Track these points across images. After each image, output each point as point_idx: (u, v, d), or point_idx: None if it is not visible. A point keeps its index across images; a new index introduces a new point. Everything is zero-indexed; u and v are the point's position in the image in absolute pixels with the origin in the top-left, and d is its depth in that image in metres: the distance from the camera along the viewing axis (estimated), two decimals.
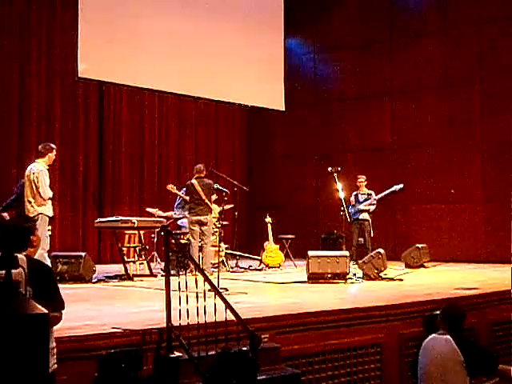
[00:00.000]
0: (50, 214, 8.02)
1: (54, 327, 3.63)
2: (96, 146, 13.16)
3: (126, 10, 11.16)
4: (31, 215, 7.86)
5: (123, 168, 13.49)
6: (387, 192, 11.17)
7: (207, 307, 4.59)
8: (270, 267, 11.20)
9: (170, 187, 10.84)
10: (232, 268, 11.02)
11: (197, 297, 4.75)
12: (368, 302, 6.64)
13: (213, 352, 4.49)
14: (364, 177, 11.43)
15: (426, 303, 6.63)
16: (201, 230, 9.53)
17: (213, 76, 12.07)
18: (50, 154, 8.12)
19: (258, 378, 4.44)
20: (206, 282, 4.86)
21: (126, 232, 9.86)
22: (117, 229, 9.60)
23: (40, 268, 3.61)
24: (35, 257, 3.79)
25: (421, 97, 13.35)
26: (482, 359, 5.08)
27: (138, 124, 13.82)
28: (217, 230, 10.08)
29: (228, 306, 4.57)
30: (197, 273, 5.05)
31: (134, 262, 9.80)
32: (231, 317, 4.58)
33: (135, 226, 9.35)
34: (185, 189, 10.24)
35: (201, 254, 9.63)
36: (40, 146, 8.25)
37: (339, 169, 9.74)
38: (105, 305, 6.63)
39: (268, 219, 11.69)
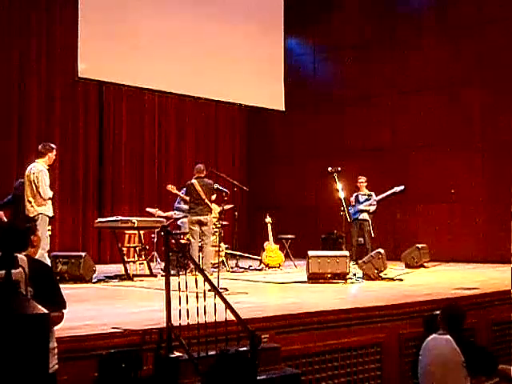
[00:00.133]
0: (50, 213, 8.02)
1: (56, 327, 3.63)
2: (96, 146, 13.15)
3: (126, 9, 11.16)
4: (31, 215, 7.85)
5: (123, 168, 13.49)
6: (388, 193, 11.17)
7: (207, 307, 4.59)
8: (269, 267, 11.20)
9: (170, 187, 10.84)
10: (232, 268, 11.01)
11: (197, 297, 4.75)
12: (368, 302, 6.64)
13: (213, 352, 4.49)
14: (364, 178, 11.44)
15: (426, 303, 6.64)
16: (201, 230, 9.52)
17: (213, 76, 12.07)
18: (50, 154, 8.12)
19: (258, 378, 4.44)
20: (205, 282, 4.86)
21: (126, 232, 9.86)
22: (117, 229, 9.60)
23: (41, 268, 3.61)
24: (36, 257, 3.79)
25: (421, 97, 13.35)
26: (482, 359, 5.08)
27: (138, 124, 13.82)
28: (217, 230, 10.08)
29: (228, 306, 4.57)
30: (197, 273, 5.05)
31: (134, 262, 9.80)
32: (231, 317, 4.58)
33: (135, 226, 9.35)
34: (185, 189, 10.25)
35: (201, 253, 9.63)
36: (40, 146, 8.25)
37: (339, 169, 9.74)
38: (105, 305, 6.63)
39: (268, 219, 11.69)
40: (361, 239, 11.14)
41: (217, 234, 10.07)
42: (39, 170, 7.94)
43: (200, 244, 9.59)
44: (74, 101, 12.76)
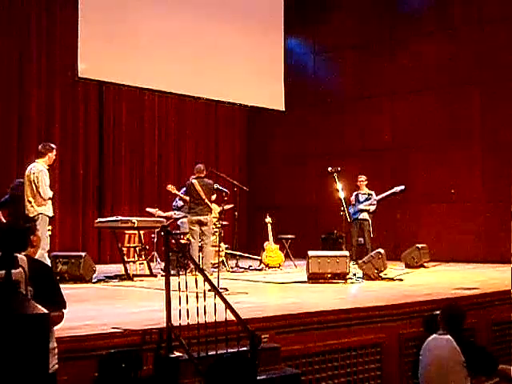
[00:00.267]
0: (50, 213, 8.02)
1: (56, 327, 3.63)
2: (96, 146, 13.15)
3: (126, 10, 11.16)
4: (31, 215, 7.84)
5: (123, 168, 13.49)
6: (388, 193, 11.17)
7: (207, 307, 4.59)
8: (270, 267, 11.20)
9: (170, 188, 10.84)
10: (232, 268, 11.01)
11: (197, 297, 4.75)
12: (368, 302, 6.64)
13: (213, 352, 4.49)
14: (364, 177, 11.44)
15: (426, 303, 6.64)
16: (201, 229, 9.52)
17: (213, 76, 12.07)
18: (50, 154, 8.12)
19: (258, 378, 4.44)
20: (205, 282, 4.86)
21: (126, 232, 9.86)
22: (117, 229, 9.60)
23: (41, 268, 3.61)
24: (35, 257, 3.79)
25: (421, 97, 13.34)
26: (483, 359, 5.08)
27: (138, 124, 13.82)
28: (217, 230, 10.08)
29: (228, 306, 4.57)
30: (197, 273, 5.05)
31: (134, 262, 9.80)
32: (231, 317, 4.58)
33: (135, 225, 9.35)
34: (185, 189, 10.25)
35: (201, 253, 9.63)
36: (40, 146, 8.25)
37: (339, 169, 9.74)
38: (105, 305, 6.63)
39: (268, 219, 11.69)
40: (361, 239, 11.13)
41: (217, 234, 10.07)
42: (39, 169, 7.94)
43: (200, 244, 9.59)
44: (74, 101, 12.76)
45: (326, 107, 14.53)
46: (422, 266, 11.06)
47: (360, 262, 9.41)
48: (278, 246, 11.54)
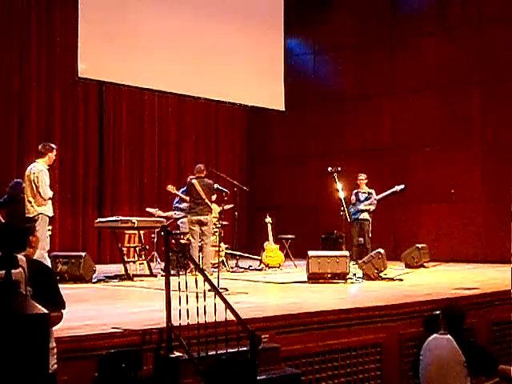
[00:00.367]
0: (50, 213, 8.02)
1: (55, 327, 3.63)
2: (96, 146, 13.15)
3: (126, 10, 11.16)
4: (31, 215, 7.86)
5: (123, 168, 13.48)
6: (388, 192, 11.17)
7: (207, 307, 4.59)
8: (270, 267, 11.20)
9: (170, 188, 10.85)
10: (232, 268, 11.01)
11: (197, 297, 4.75)
12: (368, 302, 6.64)
13: (213, 352, 4.49)
14: (364, 175, 11.44)
15: (426, 303, 6.64)
16: (201, 229, 9.52)
17: (213, 76, 12.07)
18: (50, 154, 8.12)
19: (258, 378, 4.44)
20: (205, 282, 4.86)
21: (126, 232, 9.86)
22: (117, 229, 9.60)
23: (40, 268, 3.61)
24: (35, 257, 3.79)
25: (421, 97, 13.35)
26: (483, 359, 5.08)
27: (138, 124, 13.82)
28: (217, 230, 10.08)
29: (228, 306, 4.57)
30: (197, 273, 5.05)
31: (134, 262, 9.80)
32: (231, 317, 4.58)
33: (135, 226, 9.35)
34: (184, 189, 10.26)
35: (201, 254, 9.63)
36: (40, 146, 8.25)
37: (339, 169, 9.74)
38: (105, 305, 6.63)
39: (268, 219, 11.69)
40: (361, 239, 11.13)
41: (217, 234, 10.07)
42: (39, 169, 7.94)
43: (200, 244, 9.58)
44: (74, 101, 12.76)
45: (326, 107, 14.53)
46: (422, 266, 11.06)
47: (360, 261, 9.41)
48: (278, 246, 11.54)
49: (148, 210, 11.47)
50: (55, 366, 3.62)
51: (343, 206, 9.61)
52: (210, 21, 12.12)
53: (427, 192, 13.13)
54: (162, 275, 8.58)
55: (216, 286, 5.86)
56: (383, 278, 8.98)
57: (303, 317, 5.74)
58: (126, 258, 9.64)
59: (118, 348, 4.52)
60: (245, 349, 4.50)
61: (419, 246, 11.22)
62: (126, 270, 9.32)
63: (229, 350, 4.54)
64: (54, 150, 8.21)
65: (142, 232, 9.85)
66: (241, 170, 15.53)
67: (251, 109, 14.15)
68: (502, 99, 12.44)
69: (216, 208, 10.11)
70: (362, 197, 11.25)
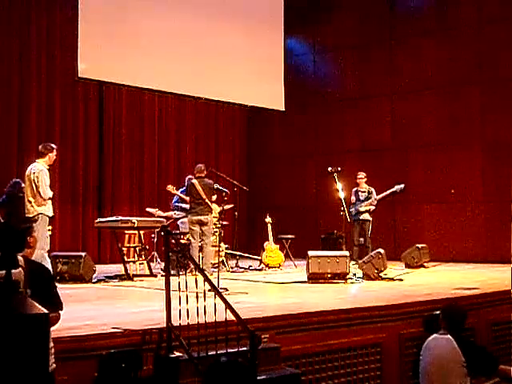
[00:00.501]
0: (50, 213, 8.02)
1: (53, 327, 3.63)
2: (96, 146, 13.15)
3: (126, 10, 11.16)
4: (31, 215, 7.86)
5: (123, 168, 13.48)
6: (388, 192, 11.17)
7: (207, 307, 4.59)
8: (270, 267, 11.20)
9: (170, 188, 10.85)
10: (232, 268, 11.01)
11: (197, 297, 4.75)
12: (368, 302, 6.64)
13: (213, 352, 4.49)
14: (364, 173, 11.43)
15: (426, 303, 6.63)
16: (201, 229, 9.52)
17: (213, 76, 12.07)
18: (50, 154, 8.12)
19: (258, 378, 4.44)
20: (205, 282, 4.86)
21: (126, 232, 9.86)
22: (117, 229, 9.60)
23: (37, 269, 3.62)
24: (34, 257, 3.79)
25: (421, 97, 13.35)
26: (483, 359, 5.09)
27: (138, 124, 13.82)
28: (217, 230, 10.08)
29: (228, 306, 4.57)
30: (197, 273, 5.05)
31: (134, 262, 9.80)
32: (231, 317, 4.58)
33: (135, 226, 9.35)
34: (184, 188, 10.26)
35: (201, 254, 9.63)
36: (40, 146, 8.26)
37: (339, 169, 9.74)
38: (105, 305, 6.63)
39: (268, 219, 11.69)
40: (361, 239, 11.13)
41: (217, 234, 10.07)
42: (39, 169, 7.94)
43: (200, 244, 9.58)
44: (74, 101, 12.76)
45: (325, 107, 14.53)
46: (422, 266, 11.05)
47: (360, 261, 9.41)
48: (278, 246, 11.54)
49: (148, 209, 11.47)
50: (54, 365, 3.63)
51: (343, 206, 9.61)
52: (210, 21, 12.13)
53: (427, 192, 13.13)
54: (162, 275, 8.59)
55: (216, 286, 5.86)
56: (383, 278, 8.98)
57: (303, 317, 5.74)
58: (126, 257, 9.64)
59: (118, 348, 4.52)
60: (245, 349, 4.50)
61: (419, 246, 11.22)
62: (125, 270, 9.33)
63: (229, 350, 4.54)
64: (55, 150, 8.21)
65: (142, 232, 9.86)
66: (241, 170, 15.53)
67: (251, 109, 14.15)
68: (501, 99, 12.44)
69: (216, 208, 10.11)
70: (361, 196, 11.24)
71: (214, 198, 10.06)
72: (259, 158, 15.64)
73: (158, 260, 11.08)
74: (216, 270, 8.37)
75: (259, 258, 11.50)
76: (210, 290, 4.83)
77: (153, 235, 11.38)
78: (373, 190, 11.30)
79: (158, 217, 10.79)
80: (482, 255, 12.23)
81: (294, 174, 14.88)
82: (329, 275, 8.78)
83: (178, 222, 11.17)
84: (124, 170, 13.50)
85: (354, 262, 9.70)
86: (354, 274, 9.08)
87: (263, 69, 13.12)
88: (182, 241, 9.85)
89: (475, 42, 12.79)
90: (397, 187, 11.10)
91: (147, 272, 9.59)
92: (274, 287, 8.70)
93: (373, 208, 11.22)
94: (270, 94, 13.39)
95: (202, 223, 9.51)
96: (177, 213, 11.25)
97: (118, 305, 6.60)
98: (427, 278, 9.40)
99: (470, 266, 11.40)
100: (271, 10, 13.52)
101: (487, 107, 12.65)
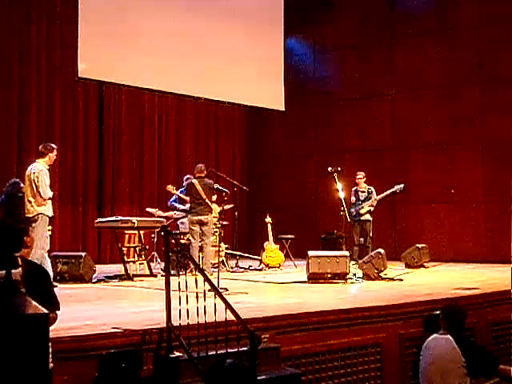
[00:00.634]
0: (50, 213, 8.02)
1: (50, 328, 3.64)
2: (96, 146, 13.14)
3: (126, 10, 11.15)
4: (31, 215, 7.86)
5: (123, 168, 13.48)
6: (388, 192, 11.17)
7: (207, 307, 4.59)
8: (270, 267, 11.20)
9: (170, 188, 10.84)
10: (232, 268, 11.01)
11: (197, 297, 4.76)
12: (368, 302, 6.64)
13: (213, 352, 4.49)
14: (363, 173, 11.42)
15: (426, 303, 6.63)
16: (201, 229, 9.51)
17: (213, 76, 12.07)
18: (50, 154, 8.12)
19: (258, 377, 4.44)
20: (205, 282, 4.86)
21: (126, 232, 9.85)
22: (117, 229, 9.60)
23: (34, 269, 3.62)
24: (35, 257, 3.79)
25: (421, 97, 13.35)
26: (483, 359, 5.09)
27: (138, 124, 13.82)
28: (217, 230, 10.08)
29: (228, 306, 4.57)
30: (197, 273, 5.05)
31: (134, 262, 9.80)
32: (231, 317, 4.58)
33: (135, 226, 9.35)
34: (184, 189, 10.26)
35: (201, 254, 9.63)
36: (41, 146, 8.26)
37: (339, 169, 9.74)
38: (105, 305, 6.63)
39: (268, 219, 11.69)
40: (361, 239, 11.13)
41: (217, 234, 10.08)
42: (39, 169, 7.94)
43: (200, 244, 9.58)
44: (74, 101, 12.75)
45: (325, 107, 14.53)
46: (422, 266, 11.05)
47: (360, 261, 9.41)
48: (278, 246, 11.54)
49: (148, 209, 11.46)
50: (51, 364, 3.63)
51: (343, 206, 9.60)
52: (209, 21, 12.12)
53: (427, 192, 13.13)
54: (162, 275, 8.59)
55: (216, 286, 5.86)
56: (383, 278, 8.98)
57: (303, 317, 5.74)
58: (126, 257, 9.64)
59: (118, 348, 4.52)
60: (245, 349, 4.50)
61: (419, 246, 11.22)
62: (125, 270, 9.33)
63: (229, 350, 4.54)
64: (55, 150, 8.22)
65: (142, 232, 9.85)
66: (241, 170, 15.53)
67: (251, 109, 14.15)
68: (501, 99, 12.43)
69: (216, 208, 10.11)
70: (361, 196, 11.24)
71: (214, 198, 10.06)
72: (259, 158, 15.64)
73: (158, 260, 11.08)
74: (216, 269, 8.37)
75: (259, 257, 11.50)
76: (209, 290, 4.84)
77: (153, 235, 11.38)
78: (373, 189, 11.30)
79: (158, 217, 10.79)
80: (482, 255, 12.23)
81: (294, 174, 14.88)
82: (329, 275, 8.78)
83: (178, 222, 11.17)
84: (124, 170, 13.49)
85: (354, 262, 9.71)
86: (354, 274, 9.08)
87: (263, 69, 13.12)
88: (182, 241, 9.85)
89: (475, 41, 12.79)
90: (396, 187, 11.10)
91: (147, 272, 9.59)
92: (274, 287, 8.70)
93: (372, 209, 11.21)
94: (270, 94, 13.39)
95: (202, 223, 9.51)
96: (177, 213, 11.26)
97: (118, 305, 6.60)
98: (427, 278, 9.40)
99: (470, 266, 11.39)
100: (271, 10, 13.51)
101: (487, 107, 12.65)
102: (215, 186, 9.52)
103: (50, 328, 3.61)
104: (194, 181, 9.68)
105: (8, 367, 2.66)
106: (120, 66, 11.10)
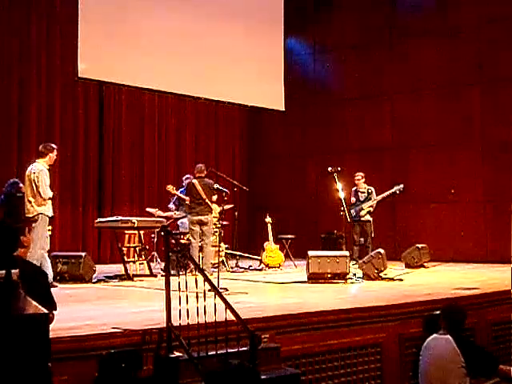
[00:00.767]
0: (50, 213, 8.03)
1: None
2: (96, 146, 13.14)
3: (126, 9, 11.16)
4: (31, 215, 7.87)
5: (123, 168, 13.48)
6: (387, 193, 11.17)
7: (207, 307, 4.59)
8: (270, 267, 11.20)
9: (170, 188, 10.84)
10: (232, 268, 11.01)
11: (197, 297, 4.75)
12: (368, 302, 6.64)
13: (213, 352, 4.49)
14: (361, 174, 11.42)
15: (426, 303, 6.63)
16: (201, 229, 9.52)
17: (213, 76, 12.07)
18: (50, 154, 8.13)
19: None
20: (205, 282, 4.86)
21: (126, 232, 9.86)
22: (117, 229, 9.60)
23: (31, 269, 3.62)
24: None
25: (421, 97, 13.35)
26: (483, 359, 5.09)
27: (138, 124, 13.82)
28: (217, 230, 10.08)
29: (228, 306, 4.57)
30: (197, 273, 5.05)
31: (134, 262, 9.80)
32: (231, 317, 4.58)
33: (135, 226, 9.35)
34: (184, 188, 10.26)
35: (201, 254, 9.63)
36: (41, 146, 8.27)
37: (339, 169, 9.73)
38: (105, 305, 6.63)
39: (268, 219, 11.69)
40: (361, 239, 11.13)
41: (217, 234, 10.08)
42: (39, 169, 7.95)
43: (200, 244, 9.58)
44: (74, 101, 12.75)
45: (326, 107, 14.52)
46: (422, 266, 11.06)
47: (360, 261, 9.41)
48: (278, 246, 11.54)
49: (148, 210, 11.46)
50: (49, 364, 3.63)
51: (343, 206, 9.60)
52: (210, 21, 12.12)
53: (427, 192, 13.13)
54: (162, 275, 8.59)
55: (216, 286, 5.86)
56: (383, 278, 8.98)
57: (303, 317, 5.74)
58: (126, 257, 9.64)
59: (118, 348, 4.52)
60: (245, 349, 4.50)
61: (419, 246, 11.22)
62: (125, 270, 9.33)
63: (229, 350, 4.54)
64: (55, 150, 8.23)
65: (142, 232, 9.85)
66: (241, 170, 15.53)
67: (251, 109, 14.14)
68: (501, 99, 12.43)
69: (216, 208, 10.11)
70: (361, 197, 11.24)
71: (215, 198, 10.06)
72: (259, 158, 15.64)
73: (158, 260, 11.08)
74: (216, 269, 8.37)
75: (259, 258, 11.50)
76: (209, 290, 4.84)
77: (153, 235, 11.38)
78: (372, 189, 11.30)
79: (158, 217, 10.79)
80: (482, 255, 12.22)
81: (294, 174, 14.88)
82: (329, 275, 8.78)
83: (178, 222, 11.18)
84: (124, 170, 13.49)
85: (354, 262, 9.71)
86: (354, 274, 9.08)
87: (263, 69, 13.12)
88: (182, 241, 9.85)
89: (475, 41, 12.79)
90: (396, 188, 11.11)
91: (147, 272, 9.59)
92: (273, 287, 8.70)
93: (372, 209, 11.21)
94: (270, 94, 13.39)
95: (202, 223, 9.51)
96: (177, 213, 11.26)
97: (118, 305, 6.60)
98: (427, 278, 9.40)
99: (470, 266, 11.40)
100: (271, 10, 13.52)
101: (487, 107, 12.65)
102: (215, 186, 9.52)
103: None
104: (194, 181, 9.68)
105: (8, 367, 2.66)
106: (120, 66, 11.10)
